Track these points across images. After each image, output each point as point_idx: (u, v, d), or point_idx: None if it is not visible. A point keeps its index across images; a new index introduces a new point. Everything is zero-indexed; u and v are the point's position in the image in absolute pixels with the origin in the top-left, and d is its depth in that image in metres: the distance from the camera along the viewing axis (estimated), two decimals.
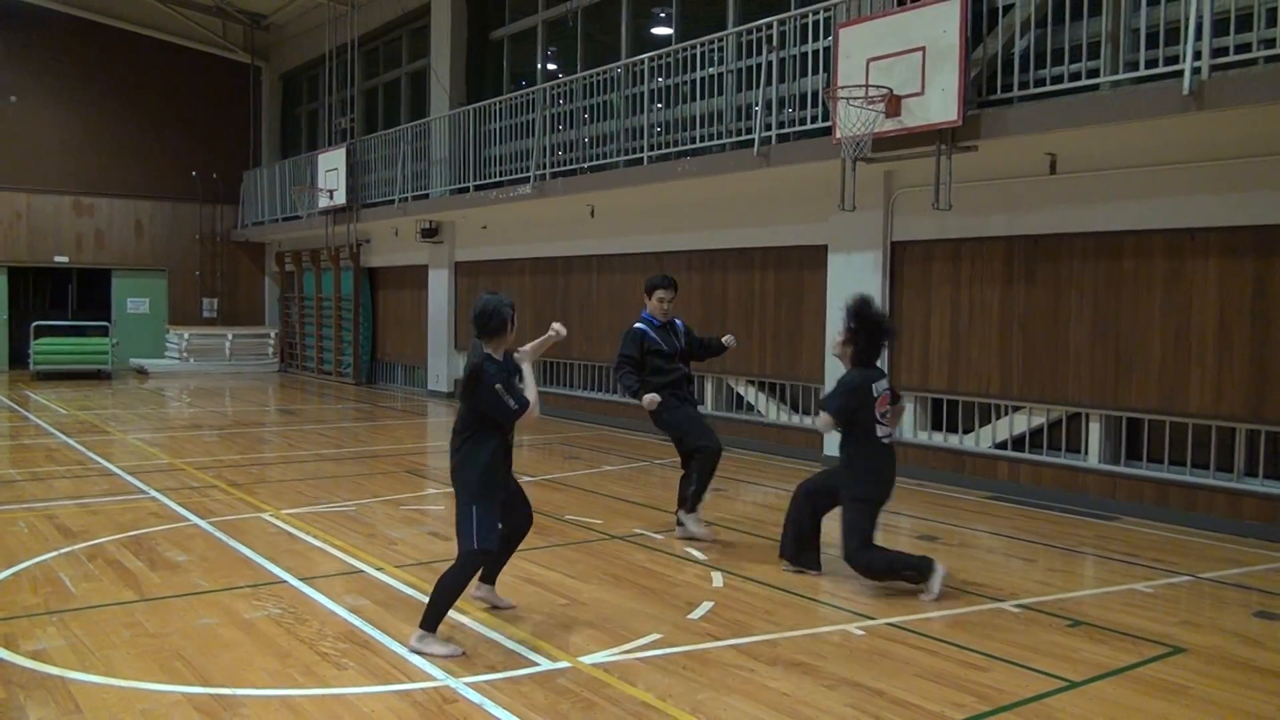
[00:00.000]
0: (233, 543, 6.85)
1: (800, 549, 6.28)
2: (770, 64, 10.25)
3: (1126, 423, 8.60)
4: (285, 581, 5.93)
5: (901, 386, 10.07)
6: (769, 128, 10.21)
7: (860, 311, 5.94)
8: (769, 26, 10.31)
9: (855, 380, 5.90)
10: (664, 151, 11.76)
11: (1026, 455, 9.11)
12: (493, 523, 4.86)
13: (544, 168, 13.60)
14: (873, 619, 5.42)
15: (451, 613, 5.36)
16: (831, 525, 6.17)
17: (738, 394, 12.19)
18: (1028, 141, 8.31)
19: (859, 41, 8.97)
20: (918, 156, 8.88)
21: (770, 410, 11.71)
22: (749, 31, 10.67)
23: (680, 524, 7.16)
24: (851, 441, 5.97)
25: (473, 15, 17.15)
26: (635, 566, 6.44)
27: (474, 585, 5.29)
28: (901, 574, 5.82)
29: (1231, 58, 6.98)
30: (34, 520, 7.48)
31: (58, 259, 22.15)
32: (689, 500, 7.06)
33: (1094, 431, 8.68)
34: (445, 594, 4.78)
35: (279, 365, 23.18)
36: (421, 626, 4.80)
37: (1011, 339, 9.18)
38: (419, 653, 4.73)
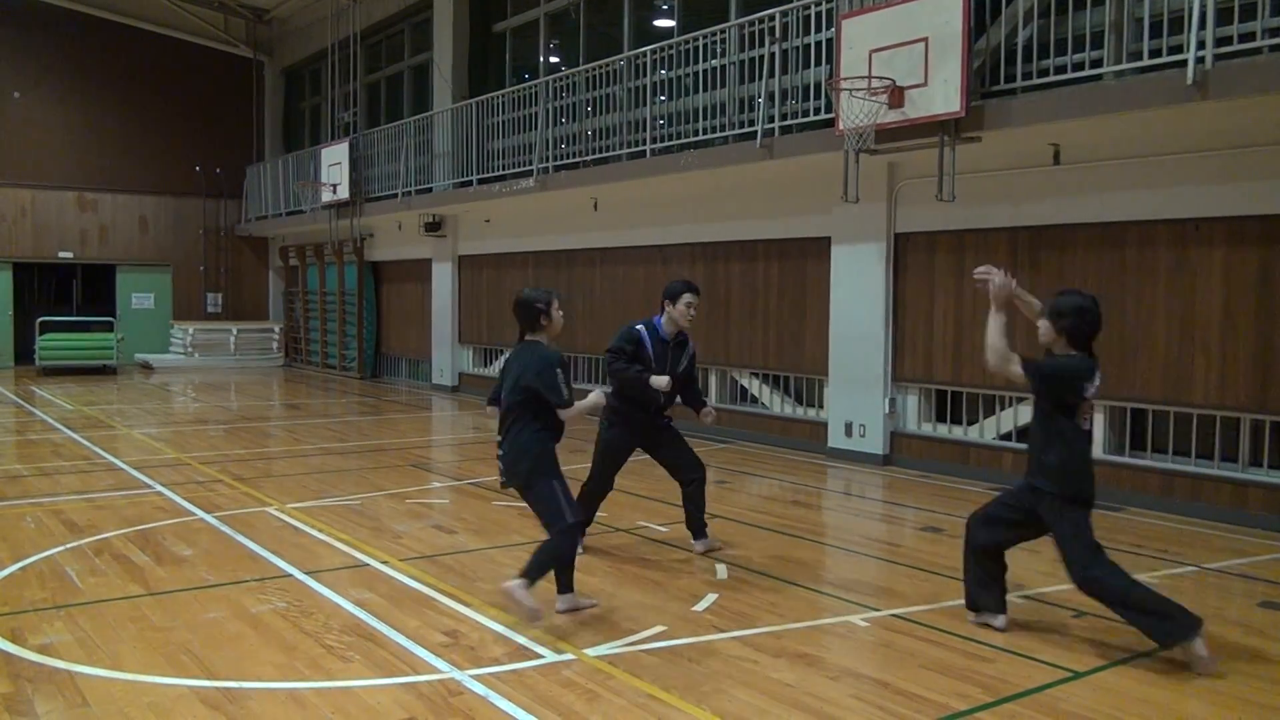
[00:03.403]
0: (238, 537, 6.87)
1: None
2: (773, 56, 10.23)
3: (1131, 413, 8.59)
4: (291, 575, 5.95)
5: (905, 378, 10.09)
6: (772, 120, 10.19)
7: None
8: (771, 18, 10.29)
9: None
10: (667, 144, 11.73)
11: None
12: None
13: (547, 161, 13.59)
14: (877, 610, 5.42)
15: (459, 606, 5.39)
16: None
17: (741, 386, 12.19)
18: (1031, 132, 8.29)
19: (861, 32, 8.94)
20: (921, 148, 8.86)
21: (774, 402, 11.71)
22: (751, 23, 10.64)
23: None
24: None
25: (475, 8, 17.12)
26: (639, 559, 6.45)
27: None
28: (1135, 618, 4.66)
29: (1235, 47, 6.96)
30: (41, 515, 7.51)
31: (62, 255, 22.20)
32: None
33: (1098, 422, 8.66)
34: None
35: (283, 360, 23.22)
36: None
37: (1016, 330, 9.14)
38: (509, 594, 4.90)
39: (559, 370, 5.09)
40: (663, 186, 12.31)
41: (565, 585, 5.28)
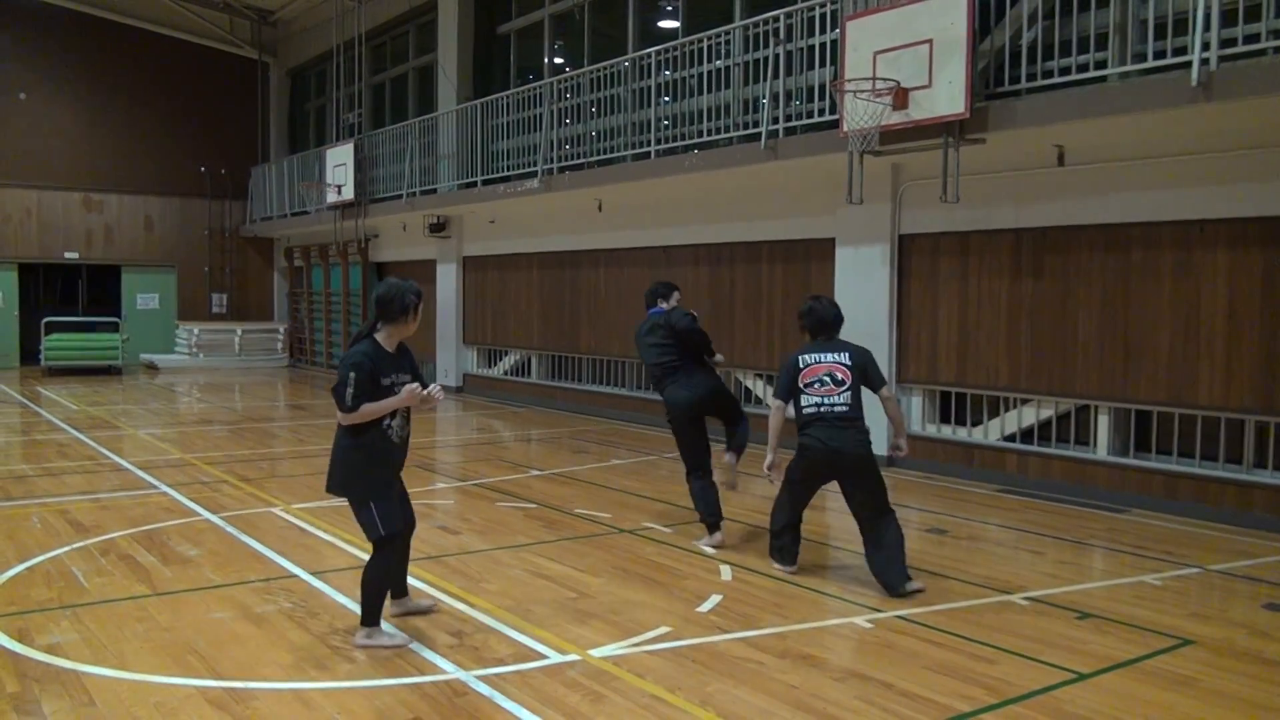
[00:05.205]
0: (244, 537, 6.88)
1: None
2: (777, 57, 10.24)
3: (1135, 415, 8.59)
4: (296, 575, 5.97)
5: (909, 380, 10.09)
6: (776, 121, 10.19)
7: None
8: (776, 19, 10.29)
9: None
10: (671, 145, 11.74)
11: (1035, 448, 9.11)
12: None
13: (551, 162, 13.61)
14: (881, 612, 5.43)
15: (464, 606, 5.40)
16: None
17: (745, 387, 12.19)
18: (1035, 134, 8.29)
19: (866, 34, 8.95)
20: (925, 149, 8.86)
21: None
22: (756, 24, 10.65)
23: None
24: None
25: (479, 9, 17.14)
26: (644, 560, 6.46)
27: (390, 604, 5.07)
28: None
29: (1240, 48, 6.95)
30: (47, 515, 7.53)
31: (68, 255, 22.24)
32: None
33: (1103, 424, 8.66)
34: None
35: (288, 360, 23.25)
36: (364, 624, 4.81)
37: (1020, 331, 9.17)
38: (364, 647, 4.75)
39: (350, 371, 4.58)
40: (667, 188, 12.32)
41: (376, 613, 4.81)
